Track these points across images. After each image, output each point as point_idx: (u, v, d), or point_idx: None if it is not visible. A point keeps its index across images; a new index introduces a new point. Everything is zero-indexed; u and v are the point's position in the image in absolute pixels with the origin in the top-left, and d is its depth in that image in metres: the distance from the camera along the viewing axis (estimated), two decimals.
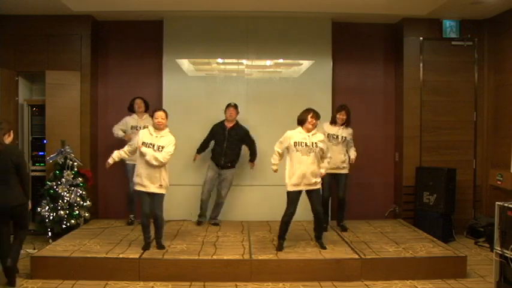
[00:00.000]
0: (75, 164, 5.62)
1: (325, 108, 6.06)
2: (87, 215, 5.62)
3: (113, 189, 6.27)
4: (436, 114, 6.15)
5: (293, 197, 4.59)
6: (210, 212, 5.87)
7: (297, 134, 4.61)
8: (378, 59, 6.46)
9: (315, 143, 4.57)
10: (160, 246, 4.62)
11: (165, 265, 4.28)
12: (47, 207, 5.37)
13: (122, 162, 5.69)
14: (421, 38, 6.14)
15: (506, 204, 3.86)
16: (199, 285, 4.16)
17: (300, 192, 4.61)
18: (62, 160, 5.58)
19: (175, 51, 6.17)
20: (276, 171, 4.74)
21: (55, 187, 5.43)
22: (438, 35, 6.13)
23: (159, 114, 4.51)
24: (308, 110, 4.66)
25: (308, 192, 4.62)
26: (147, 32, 6.29)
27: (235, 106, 5.66)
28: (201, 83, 6.30)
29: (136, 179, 4.53)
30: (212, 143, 5.79)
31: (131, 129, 5.65)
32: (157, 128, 4.52)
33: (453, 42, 6.14)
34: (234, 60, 6.32)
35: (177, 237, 5.10)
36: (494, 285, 3.97)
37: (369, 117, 6.32)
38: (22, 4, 5.55)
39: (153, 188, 4.50)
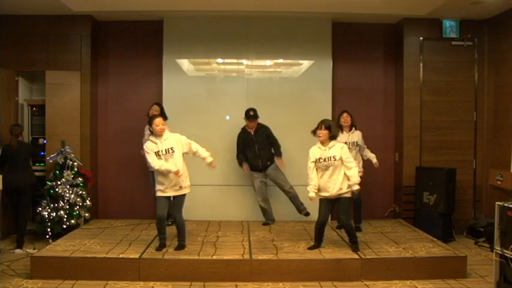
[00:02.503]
0: (75, 164, 5.62)
1: (325, 108, 6.09)
2: (87, 215, 5.62)
3: (113, 189, 6.28)
4: (436, 114, 6.15)
5: (321, 204, 4.62)
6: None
7: (317, 150, 4.60)
8: (378, 59, 6.46)
9: (333, 156, 4.50)
10: (180, 246, 4.64)
11: (165, 265, 4.28)
12: (47, 207, 5.37)
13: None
14: (421, 38, 6.14)
15: (506, 204, 3.86)
16: (199, 285, 4.16)
17: (329, 200, 4.59)
18: (62, 160, 5.58)
19: (175, 51, 6.17)
20: (312, 199, 4.56)
21: (55, 187, 5.44)
22: (438, 35, 6.13)
23: (159, 121, 4.53)
24: (318, 124, 4.60)
25: (336, 200, 4.59)
26: (147, 32, 6.29)
27: (254, 116, 5.56)
28: (201, 83, 6.30)
29: (157, 186, 4.55)
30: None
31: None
32: (160, 135, 4.54)
33: (453, 42, 6.14)
34: (234, 60, 6.33)
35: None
36: (494, 285, 3.97)
37: (368, 117, 6.32)
38: (22, 4, 5.55)
39: (172, 192, 4.56)
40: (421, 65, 6.15)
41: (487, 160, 6.15)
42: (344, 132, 5.40)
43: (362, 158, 5.52)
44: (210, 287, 4.15)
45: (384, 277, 4.29)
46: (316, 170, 4.56)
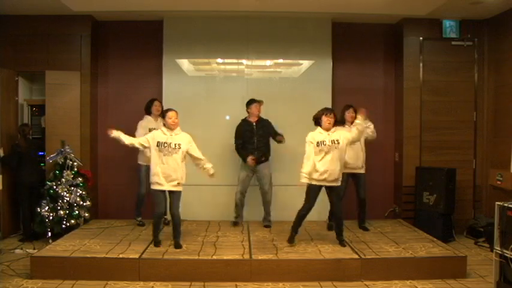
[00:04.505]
0: (75, 164, 5.62)
1: None
2: (87, 215, 5.62)
3: (113, 189, 6.28)
4: (436, 114, 6.16)
5: (314, 191, 4.65)
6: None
7: (318, 134, 4.65)
8: (378, 59, 6.46)
9: (336, 140, 4.62)
10: (177, 245, 4.65)
11: (165, 265, 4.28)
12: (47, 207, 5.37)
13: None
14: (421, 38, 6.15)
15: (506, 204, 3.86)
16: (199, 285, 4.16)
17: (320, 187, 4.67)
18: (62, 160, 5.58)
19: (175, 51, 6.17)
20: (302, 185, 4.70)
21: (55, 187, 5.44)
22: (438, 35, 6.13)
23: (173, 114, 4.59)
24: (322, 110, 4.72)
25: (329, 189, 4.69)
26: (147, 32, 6.29)
27: (260, 102, 5.59)
28: (201, 83, 6.30)
29: (153, 178, 4.55)
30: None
31: (149, 131, 5.50)
32: (171, 128, 4.58)
33: (453, 42, 6.14)
34: (234, 60, 6.33)
35: None
36: (494, 285, 3.97)
37: (369, 117, 6.31)
38: (22, 4, 5.55)
39: (169, 187, 4.56)
40: (421, 65, 6.15)
41: (487, 160, 6.15)
42: (346, 126, 5.40)
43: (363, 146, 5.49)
44: (210, 287, 4.15)
45: (384, 277, 4.29)
46: (317, 154, 4.59)
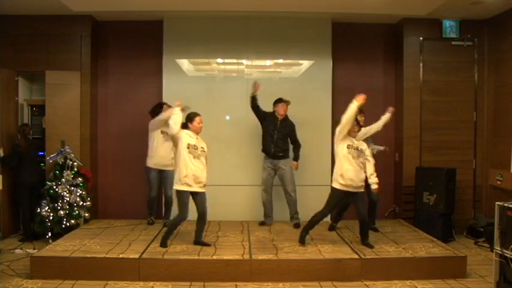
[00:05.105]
0: (75, 164, 5.62)
1: (325, 108, 6.09)
2: (87, 215, 5.62)
3: (113, 189, 6.28)
4: (436, 114, 6.16)
5: (337, 196, 4.70)
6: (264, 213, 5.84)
7: (350, 139, 4.71)
8: (378, 59, 6.46)
9: (362, 149, 4.70)
10: (205, 244, 4.77)
11: (165, 265, 4.28)
12: (47, 207, 5.37)
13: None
14: (421, 38, 6.15)
15: (506, 204, 3.86)
16: (199, 285, 4.16)
17: (345, 193, 4.68)
18: (62, 160, 5.58)
19: (175, 51, 6.18)
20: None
21: (55, 187, 5.44)
22: (438, 35, 6.13)
23: (201, 119, 4.74)
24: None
25: (353, 194, 4.69)
26: (147, 32, 6.29)
27: (287, 102, 5.62)
28: (201, 83, 6.31)
29: (184, 179, 4.59)
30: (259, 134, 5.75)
31: (161, 133, 5.54)
32: (198, 132, 4.73)
33: (453, 42, 6.14)
34: (234, 60, 6.33)
35: (177, 237, 5.10)
36: (494, 285, 3.97)
37: (368, 117, 6.30)
38: (22, 4, 5.55)
39: (196, 188, 4.66)
40: (421, 65, 6.15)
41: (487, 160, 6.15)
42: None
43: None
44: (210, 287, 4.15)
45: (384, 277, 4.30)
46: (345, 158, 4.63)
